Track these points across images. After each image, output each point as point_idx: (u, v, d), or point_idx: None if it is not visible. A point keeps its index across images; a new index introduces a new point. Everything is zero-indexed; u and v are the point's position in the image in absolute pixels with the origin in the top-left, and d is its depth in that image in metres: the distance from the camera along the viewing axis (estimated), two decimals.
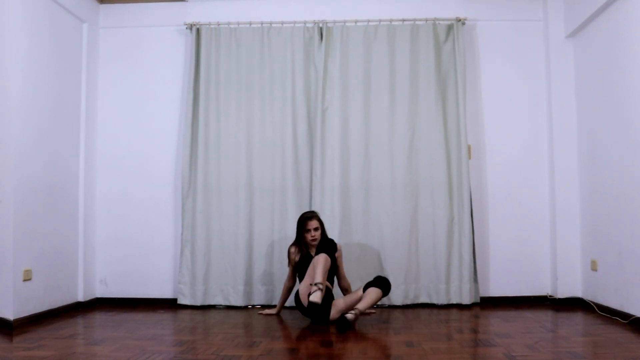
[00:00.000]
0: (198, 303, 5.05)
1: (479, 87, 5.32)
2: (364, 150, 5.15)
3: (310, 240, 4.45)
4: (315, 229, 4.46)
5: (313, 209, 4.99)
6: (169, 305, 5.13)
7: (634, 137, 4.12)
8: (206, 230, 5.12)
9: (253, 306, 5.07)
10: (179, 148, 5.32)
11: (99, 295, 5.30)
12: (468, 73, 5.27)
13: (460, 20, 5.19)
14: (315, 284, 4.01)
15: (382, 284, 4.26)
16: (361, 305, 4.12)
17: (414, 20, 5.23)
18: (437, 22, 5.22)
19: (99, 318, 4.61)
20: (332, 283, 4.46)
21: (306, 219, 4.49)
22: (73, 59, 5.08)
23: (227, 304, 5.06)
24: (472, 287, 4.98)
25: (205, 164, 5.17)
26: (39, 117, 4.55)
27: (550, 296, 5.11)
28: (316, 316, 4.21)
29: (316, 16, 5.30)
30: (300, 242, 4.52)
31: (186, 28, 5.36)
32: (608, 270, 4.52)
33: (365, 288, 4.26)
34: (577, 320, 4.34)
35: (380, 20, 5.23)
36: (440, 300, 4.99)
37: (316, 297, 3.94)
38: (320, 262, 4.10)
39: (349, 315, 3.97)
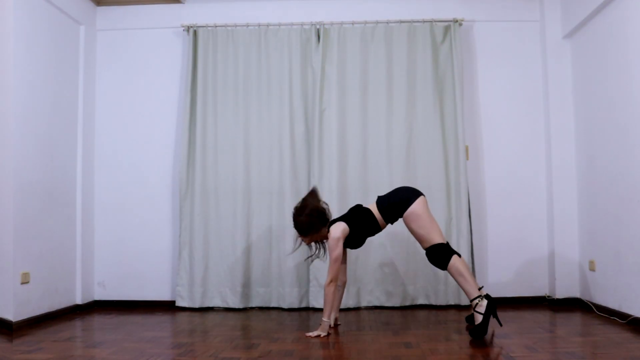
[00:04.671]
0: (196, 305, 5.05)
1: (476, 88, 5.33)
2: (362, 152, 5.15)
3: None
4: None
5: None
6: (167, 307, 5.13)
7: (631, 137, 4.13)
8: (204, 233, 5.12)
9: (251, 308, 5.07)
10: (177, 150, 5.33)
11: (97, 298, 5.29)
12: (465, 74, 5.28)
13: (457, 21, 5.19)
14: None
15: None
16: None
17: (411, 21, 5.23)
18: (434, 23, 5.23)
19: (97, 321, 4.61)
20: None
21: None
22: (70, 62, 5.07)
23: (226, 306, 5.05)
24: None
25: (203, 165, 5.17)
26: (36, 120, 4.54)
27: (548, 297, 5.11)
28: None
29: (313, 18, 5.31)
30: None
31: (183, 30, 5.37)
32: (606, 270, 4.53)
33: None
34: (576, 320, 4.34)
35: (377, 22, 5.24)
36: (439, 301, 5.00)
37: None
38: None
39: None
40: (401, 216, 3.93)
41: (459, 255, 3.83)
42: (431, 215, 3.90)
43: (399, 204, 3.91)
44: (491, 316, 3.71)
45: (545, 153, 5.23)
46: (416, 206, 3.86)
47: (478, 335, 3.65)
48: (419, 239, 3.88)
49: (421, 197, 3.92)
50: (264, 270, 5.10)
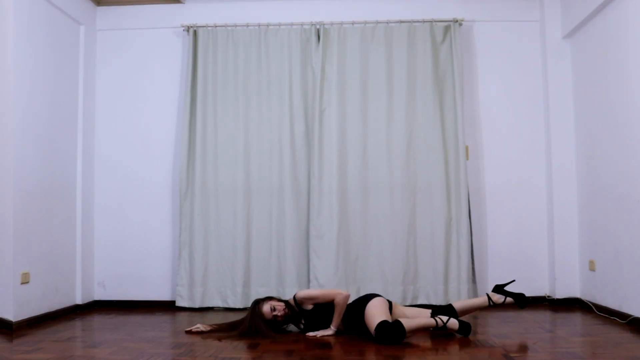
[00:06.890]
0: (196, 305, 5.05)
1: (476, 87, 5.33)
2: (362, 152, 5.15)
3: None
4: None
5: (311, 210, 5.04)
6: (167, 307, 5.13)
7: (631, 136, 4.13)
8: (204, 233, 5.12)
9: None
10: (177, 150, 5.33)
11: (97, 298, 5.29)
12: (465, 74, 5.29)
13: (457, 21, 5.20)
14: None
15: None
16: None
17: (411, 21, 5.24)
18: (434, 23, 5.23)
19: (97, 321, 4.61)
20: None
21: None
22: (70, 62, 5.07)
23: (226, 305, 5.06)
24: (470, 288, 4.97)
25: (203, 165, 5.18)
26: (36, 120, 4.54)
27: (548, 296, 5.12)
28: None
29: (313, 17, 5.31)
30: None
31: (183, 30, 5.37)
32: (606, 270, 4.53)
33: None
34: (576, 320, 4.35)
35: (377, 22, 5.24)
36: (439, 301, 4.99)
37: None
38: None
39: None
40: (362, 314, 3.77)
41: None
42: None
43: (358, 305, 3.85)
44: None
45: (545, 153, 5.23)
46: (372, 303, 3.77)
47: (466, 332, 3.71)
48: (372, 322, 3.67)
49: (378, 297, 3.85)
50: (264, 270, 5.10)
